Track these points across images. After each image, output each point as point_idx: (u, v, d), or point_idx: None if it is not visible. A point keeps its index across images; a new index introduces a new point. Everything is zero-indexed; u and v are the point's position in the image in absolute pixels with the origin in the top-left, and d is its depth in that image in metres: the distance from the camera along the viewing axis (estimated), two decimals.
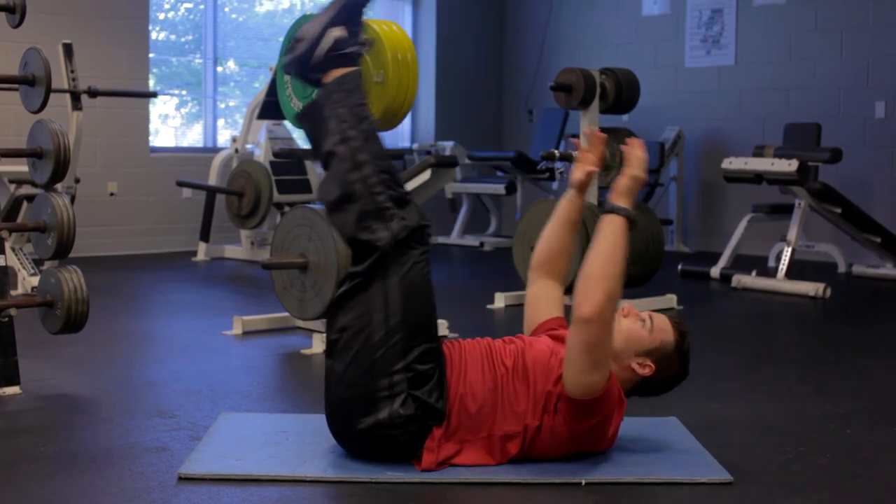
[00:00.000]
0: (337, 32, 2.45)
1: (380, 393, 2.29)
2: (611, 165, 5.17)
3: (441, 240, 8.62)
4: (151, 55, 7.45)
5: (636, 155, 2.44)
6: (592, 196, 5.07)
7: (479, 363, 2.39)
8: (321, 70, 2.47)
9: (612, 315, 2.25)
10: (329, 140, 2.40)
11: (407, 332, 2.30)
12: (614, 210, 2.32)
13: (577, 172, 2.66)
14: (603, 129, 5.10)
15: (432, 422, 2.31)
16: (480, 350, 2.43)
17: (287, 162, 7.00)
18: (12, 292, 3.48)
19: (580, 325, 2.21)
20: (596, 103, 5.05)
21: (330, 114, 2.41)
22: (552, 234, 2.69)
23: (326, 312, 2.38)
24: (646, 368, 2.41)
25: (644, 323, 2.44)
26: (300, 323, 4.18)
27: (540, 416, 2.31)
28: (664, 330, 2.45)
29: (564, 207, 2.67)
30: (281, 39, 4.25)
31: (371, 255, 2.32)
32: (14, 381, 3.07)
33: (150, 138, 7.48)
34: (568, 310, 2.39)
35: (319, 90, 2.48)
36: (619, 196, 2.35)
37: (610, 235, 2.29)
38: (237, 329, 4.18)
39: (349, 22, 2.48)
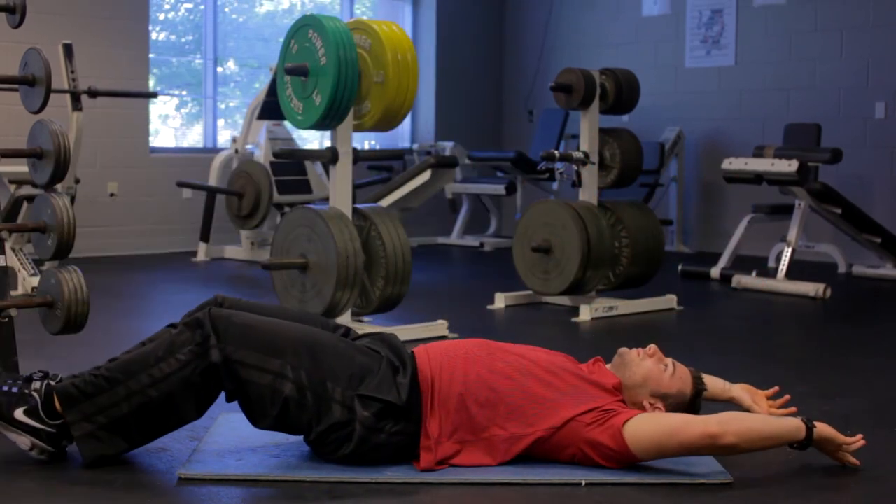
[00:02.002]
0: (19, 412, 2.31)
1: (343, 417, 2.29)
2: (611, 166, 5.18)
3: (441, 240, 8.63)
4: (151, 55, 7.45)
5: (856, 445, 2.44)
6: (593, 197, 5.08)
7: (482, 364, 2.38)
8: (60, 423, 2.33)
9: (717, 452, 2.32)
10: (125, 422, 2.30)
11: (302, 363, 2.31)
12: (809, 425, 2.37)
13: (748, 401, 2.63)
14: (603, 130, 5.13)
15: (407, 415, 2.31)
16: (485, 351, 2.43)
17: (287, 162, 7.01)
18: (12, 293, 3.48)
19: (700, 427, 2.27)
20: (596, 104, 5.05)
21: (99, 421, 2.30)
22: None
23: (261, 429, 2.40)
24: (655, 410, 2.44)
25: (666, 368, 2.49)
26: None
27: (559, 426, 2.32)
28: (684, 380, 2.51)
29: (713, 387, 2.64)
30: (281, 40, 4.25)
31: (219, 374, 2.30)
32: None
33: (151, 139, 7.48)
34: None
35: (72, 430, 2.31)
36: (821, 428, 2.40)
37: (783, 431, 2.36)
38: None
39: (9, 402, 2.32)
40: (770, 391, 2.69)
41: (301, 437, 2.44)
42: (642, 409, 2.43)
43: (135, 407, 2.30)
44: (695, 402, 2.51)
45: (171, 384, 2.30)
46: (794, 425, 2.37)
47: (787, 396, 2.66)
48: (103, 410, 2.31)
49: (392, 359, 2.38)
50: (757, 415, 2.48)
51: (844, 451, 2.42)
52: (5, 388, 2.35)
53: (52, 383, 2.36)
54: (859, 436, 2.45)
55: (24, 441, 2.34)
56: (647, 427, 2.30)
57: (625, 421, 2.30)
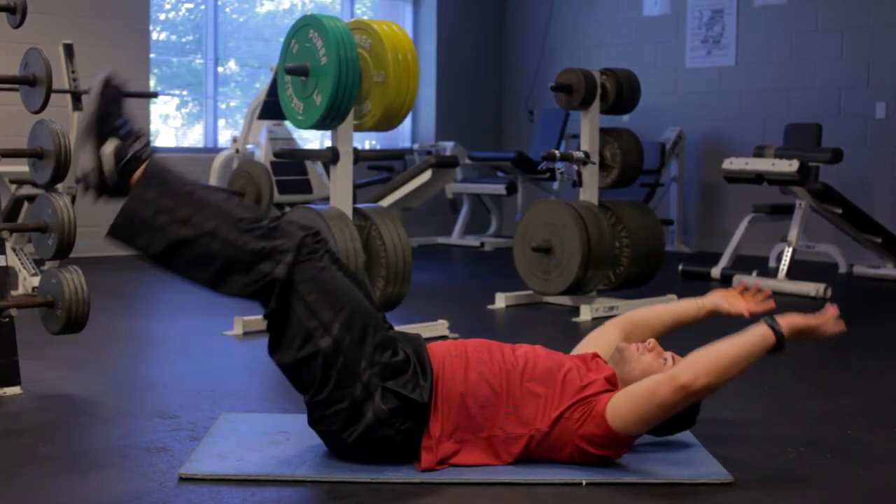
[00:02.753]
0: (110, 147, 2.35)
1: (359, 397, 2.29)
2: (611, 166, 5.18)
3: (441, 240, 8.63)
4: (152, 55, 7.45)
5: (831, 316, 2.39)
6: (593, 197, 5.08)
7: (483, 364, 2.39)
8: (123, 184, 2.37)
9: (697, 398, 2.29)
10: (165, 235, 2.30)
11: (352, 329, 2.30)
12: (773, 327, 2.30)
13: (726, 305, 2.65)
14: (603, 130, 5.13)
15: (418, 416, 2.31)
16: (486, 351, 2.43)
17: (288, 162, 7.00)
18: (13, 292, 3.48)
19: (671, 383, 2.24)
20: (596, 104, 5.06)
21: (150, 214, 2.31)
22: (659, 315, 2.71)
23: (275, 361, 2.39)
24: None
25: (665, 362, 2.48)
26: None
27: (550, 424, 2.32)
28: None
29: (688, 310, 2.65)
30: (281, 40, 4.25)
31: (274, 289, 2.30)
32: (15, 381, 3.08)
33: (151, 139, 7.48)
34: None
35: (126, 199, 2.35)
36: (788, 322, 2.32)
37: (751, 346, 2.28)
38: (238, 329, 4.18)
39: (113, 131, 2.38)
40: (738, 287, 2.68)
41: (301, 438, 2.44)
42: None
43: (180, 235, 2.29)
44: None
45: (223, 248, 2.29)
46: (759, 334, 2.29)
47: (757, 282, 2.65)
48: (159, 211, 2.31)
49: (415, 363, 2.38)
50: (719, 343, 2.32)
51: (823, 328, 2.37)
52: (119, 122, 2.38)
53: (146, 154, 2.37)
54: (828, 305, 2.39)
55: (88, 163, 2.37)
56: (623, 402, 2.29)
57: (605, 405, 2.30)
